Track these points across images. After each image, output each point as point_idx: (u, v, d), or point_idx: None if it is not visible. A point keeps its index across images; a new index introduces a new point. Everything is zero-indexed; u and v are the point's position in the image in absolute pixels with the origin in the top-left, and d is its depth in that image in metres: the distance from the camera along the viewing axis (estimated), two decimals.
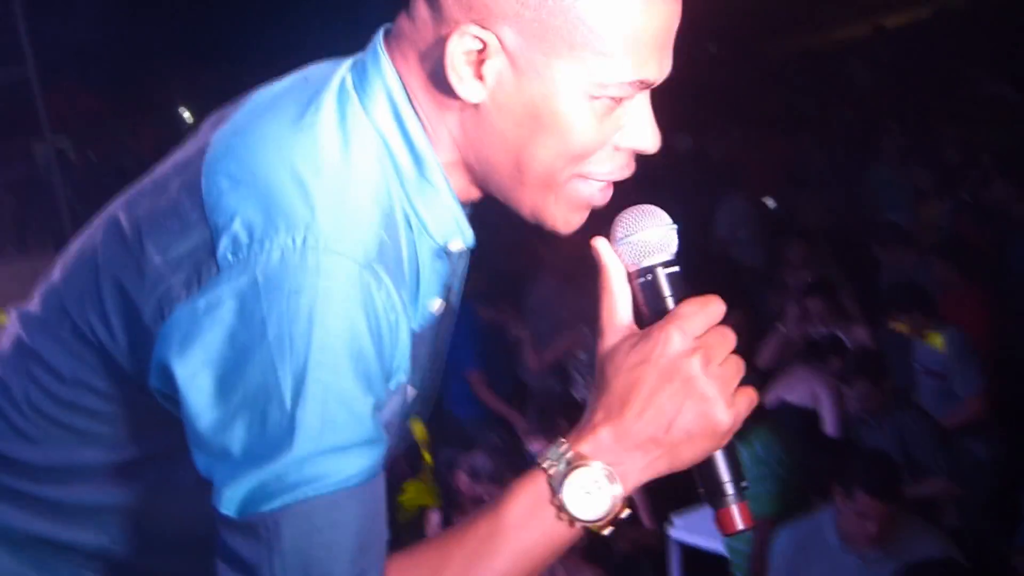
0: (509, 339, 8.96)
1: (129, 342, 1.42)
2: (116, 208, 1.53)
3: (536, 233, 1.66)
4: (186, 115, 30.88)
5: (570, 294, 8.23)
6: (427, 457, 3.66)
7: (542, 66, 1.38)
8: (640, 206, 1.45)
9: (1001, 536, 5.86)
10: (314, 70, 1.52)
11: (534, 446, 6.54)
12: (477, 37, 1.38)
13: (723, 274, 9.06)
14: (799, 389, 6.95)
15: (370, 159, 1.41)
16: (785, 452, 6.01)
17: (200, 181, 1.39)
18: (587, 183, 1.47)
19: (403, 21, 1.48)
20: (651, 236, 1.43)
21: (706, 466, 1.44)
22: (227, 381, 1.31)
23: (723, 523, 1.45)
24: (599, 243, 1.46)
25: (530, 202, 1.47)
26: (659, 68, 1.43)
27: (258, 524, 1.31)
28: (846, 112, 14.51)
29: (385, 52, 1.47)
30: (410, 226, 1.44)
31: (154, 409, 1.43)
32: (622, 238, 1.44)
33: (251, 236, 1.32)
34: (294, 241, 1.31)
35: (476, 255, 1.62)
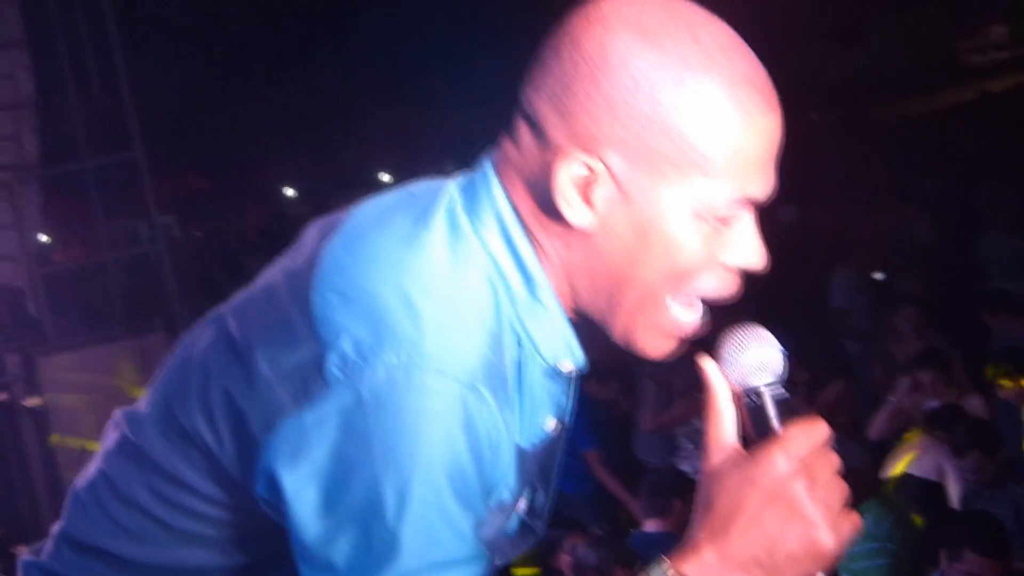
0: (620, 416, 8.96)
1: (236, 449, 1.45)
2: (225, 313, 1.56)
3: None
4: (289, 193, 31.39)
5: (684, 362, 8.17)
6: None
7: (649, 189, 1.40)
8: (748, 326, 1.45)
9: None
10: (421, 187, 1.55)
11: (649, 526, 6.49)
12: (584, 164, 1.40)
13: (835, 347, 9.00)
14: (923, 461, 6.88)
15: (479, 281, 1.43)
16: (897, 526, 5.94)
17: (310, 295, 1.42)
18: (685, 309, 1.48)
19: (507, 145, 1.50)
20: (758, 358, 1.43)
21: None
22: (333, 495, 1.34)
23: None
24: (706, 362, 1.46)
25: (624, 324, 1.48)
26: (763, 185, 1.44)
27: None
28: (952, 178, 14.37)
29: (496, 176, 1.48)
30: (520, 345, 1.45)
31: (258, 515, 1.46)
32: (729, 358, 1.44)
33: (358, 353, 1.35)
34: (399, 360, 1.34)
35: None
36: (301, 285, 1.45)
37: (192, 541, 1.55)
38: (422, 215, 1.47)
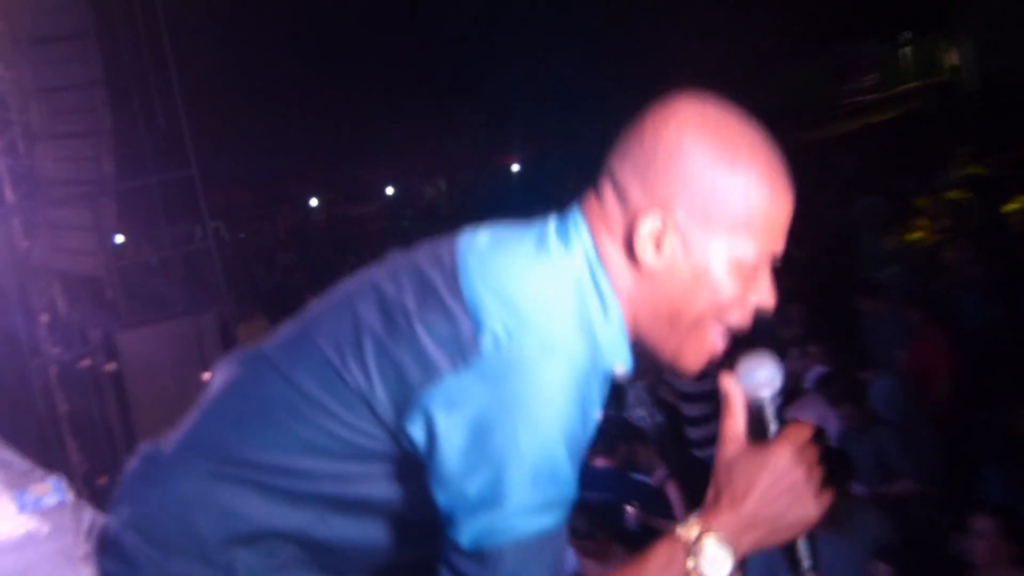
0: None
1: (388, 391, 1.47)
2: (377, 280, 1.58)
3: None
4: (313, 202, 31.30)
5: None
6: None
7: (704, 241, 1.50)
8: (758, 351, 1.57)
9: (954, 527, 5.86)
10: (522, 225, 1.60)
11: (597, 463, 6.50)
12: (659, 219, 1.50)
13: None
14: (810, 413, 6.98)
15: (577, 297, 1.50)
16: None
17: (462, 285, 1.47)
18: (719, 333, 1.56)
19: (592, 200, 1.57)
20: (763, 377, 1.55)
21: (792, 545, 1.57)
22: (478, 439, 1.38)
23: None
24: (725, 378, 1.56)
25: (674, 346, 1.56)
26: (782, 244, 1.56)
27: (486, 554, 1.40)
28: (836, 191, 14.50)
29: (584, 222, 1.56)
30: (597, 348, 1.51)
31: (393, 451, 1.50)
32: (742, 375, 1.55)
33: (508, 334, 1.40)
34: (538, 343, 1.40)
35: None
36: (451, 275, 1.49)
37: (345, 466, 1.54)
38: (540, 242, 1.52)
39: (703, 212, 1.48)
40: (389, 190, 29.86)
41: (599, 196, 1.56)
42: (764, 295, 1.55)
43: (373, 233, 25.08)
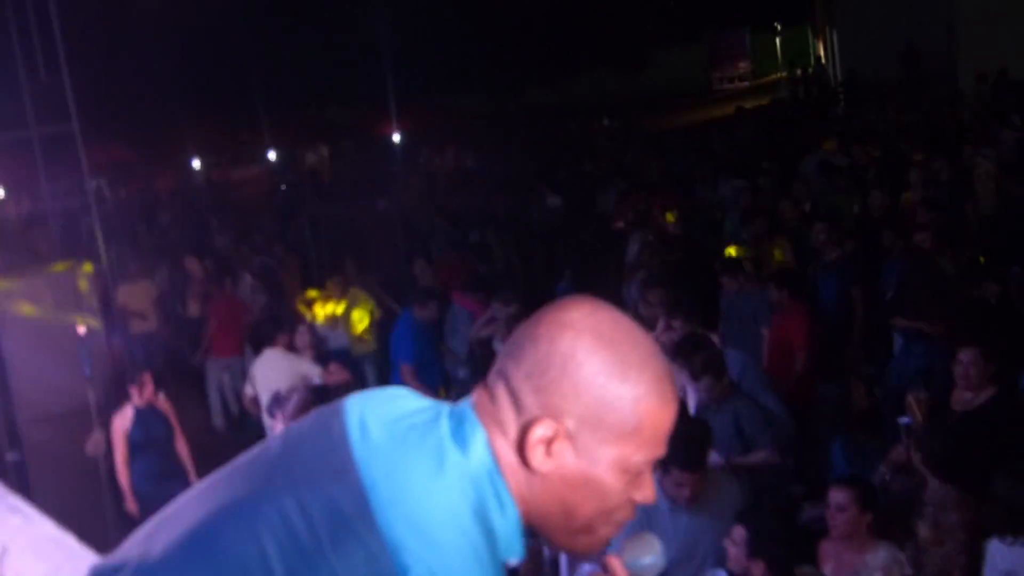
0: (439, 336, 9.12)
1: None
2: (276, 496, 1.52)
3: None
4: (195, 163, 30.69)
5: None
6: None
7: (593, 449, 1.51)
8: (642, 534, 1.64)
9: (806, 496, 6.06)
10: (416, 420, 1.58)
11: None
12: (550, 426, 1.51)
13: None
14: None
15: (477, 515, 1.50)
16: None
17: (377, 521, 1.45)
18: (608, 528, 1.59)
19: (484, 398, 1.58)
20: (649, 562, 1.62)
21: None
22: None
23: None
24: (613, 561, 1.61)
25: (567, 542, 1.60)
26: (665, 448, 1.58)
27: None
28: (706, 173, 14.76)
29: (480, 426, 1.55)
30: (495, 552, 1.52)
31: None
32: (629, 560, 1.61)
33: None
34: None
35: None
36: (362, 503, 1.47)
37: None
38: (438, 455, 1.52)
39: (594, 421, 1.51)
40: (271, 155, 29.39)
41: (492, 397, 1.57)
42: (647, 495, 1.58)
43: (252, 197, 24.72)
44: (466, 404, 1.59)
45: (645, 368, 1.53)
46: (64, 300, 8.06)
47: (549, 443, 1.51)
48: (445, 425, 1.56)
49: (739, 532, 4.52)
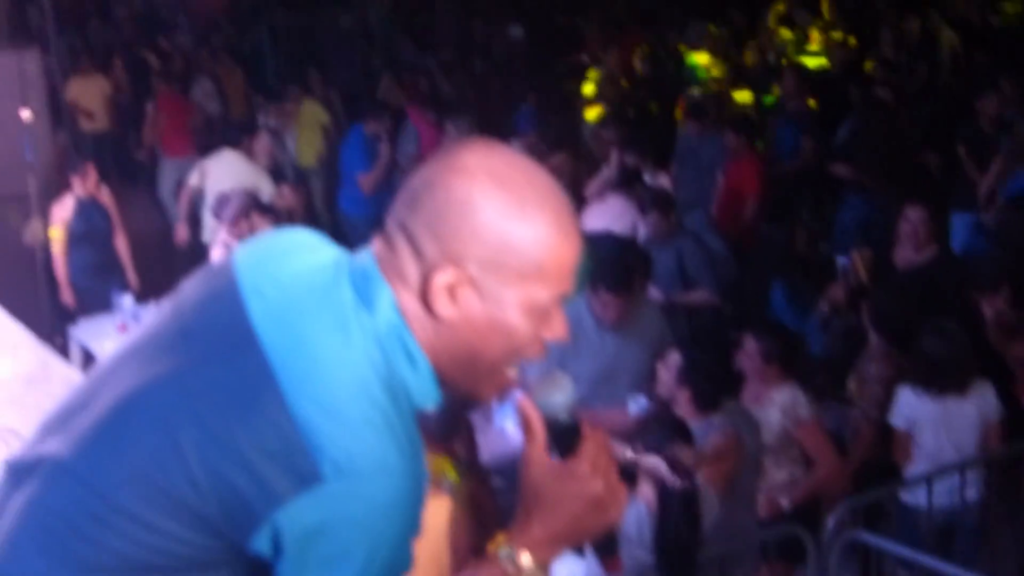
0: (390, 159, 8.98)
1: (223, 510, 1.45)
2: (181, 372, 1.51)
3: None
4: None
5: None
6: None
7: (498, 291, 1.50)
8: (551, 373, 1.62)
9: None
10: (317, 282, 1.55)
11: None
12: (453, 273, 1.49)
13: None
14: (623, 219, 6.99)
15: (391, 359, 1.51)
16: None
17: (286, 400, 1.44)
18: (511, 370, 1.60)
19: (384, 249, 1.55)
20: (560, 400, 1.60)
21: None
22: (327, 557, 1.44)
23: (611, 566, 1.76)
24: (525, 403, 1.60)
25: (472, 384, 1.60)
26: (573, 285, 1.56)
27: None
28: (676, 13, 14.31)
29: (384, 283, 1.53)
30: (409, 404, 1.54)
31: (223, 550, 1.48)
32: (541, 400, 1.60)
33: (348, 457, 1.42)
34: (378, 466, 1.43)
35: None
36: (267, 377, 1.45)
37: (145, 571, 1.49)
38: (341, 324, 1.50)
39: (496, 264, 1.50)
40: None
41: (391, 247, 1.55)
42: (557, 330, 1.58)
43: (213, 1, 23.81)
44: (367, 257, 1.56)
45: (544, 206, 1.52)
46: (8, 86, 7.69)
47: (453, 290, 1.50)
48: (347, 285, 1.54)
49: (674, 357, 4.48)
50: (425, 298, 1.52)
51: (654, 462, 3.78)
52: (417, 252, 1.52)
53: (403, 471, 1.47)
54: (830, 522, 4.27)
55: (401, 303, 1.53)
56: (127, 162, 12.17)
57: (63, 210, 7.46)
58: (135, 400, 1.51)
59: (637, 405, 4.84)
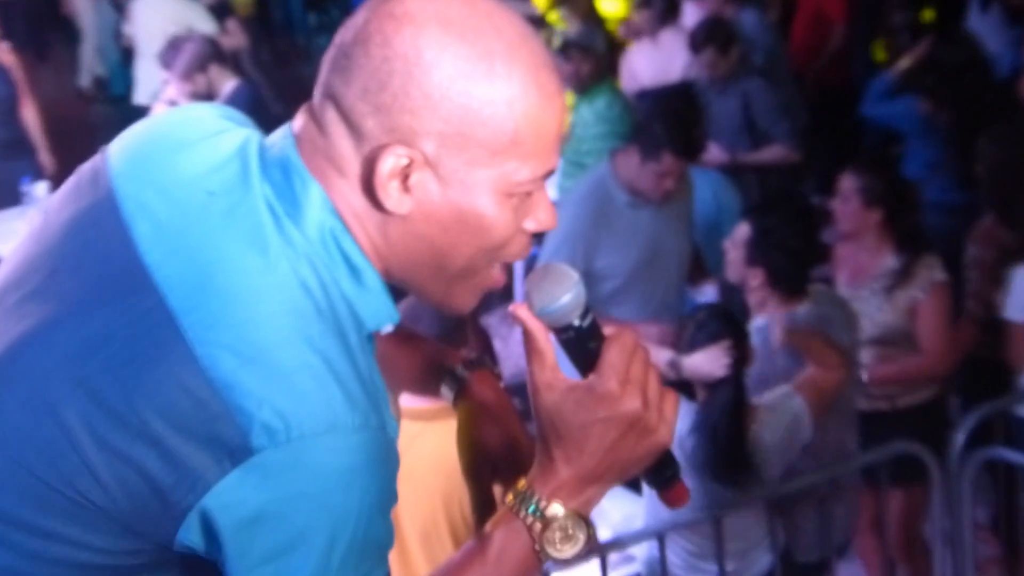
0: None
1: (136, 504, 1.35)
2: (40, 351, 1.41)
3: None
4: None
5: None
6: None
7: (464, 173, 1.42)
8: (545, 268, 1.51)
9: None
10: (218, 186, 1.45)
11: None
12: (403, 155, 1.40)
13: None
14: (658, 60, 6.81)
15: (327, 300, 1.42)
16: (627, 110, 5.85)
17: (195, 350, 1.34)
18: (493, 268, 1.53)
19: (310, 132, 1.46)
20: (567, 301, 1.48)
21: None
22: (275, 540, 1.34)
23: (674, 500, 1.61)
24: (520, 312, 1.50)
25: (442, 292, 1.53)
26: (557, 158, 1.49)
27: None
28: None
29: (308, 172, 1.45)
30: (359, 333, 1.44)
31: (159, 556, 1.41)
32: (541, 309, 1.49)
33: (283, 420, 1.32)
34: (320, 424, 1.33)
35: None
36: (169, 326, 1.36)
37: None
38: (254, 235, 1.41)
39: (458, 138, 1.40)
40: None
41: (321, 128, 1.45)
42: (543, 218, 1.51)
43: None
44: (286, 142, 1.48)
45: (515, 58, 1.42)
46: None
47: (405, 176, 1.41)
48: (261, 186, 1.45)
49: (742, 231, 4.25)
50: (368, 190, 1.43)
51: (697, 360, 3.69)
52: (354, 130, 1.43)
53: (357, 424, 1.36)
54: (959, 437, 4.13)
55: (336, 200, 1.45)
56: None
57: None
58: (11, 374, 1.43)
59: (704, 297, 4.68)
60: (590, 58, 5.97)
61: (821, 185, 5.70)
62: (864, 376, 4.43)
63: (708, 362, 3.68)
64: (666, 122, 4.62)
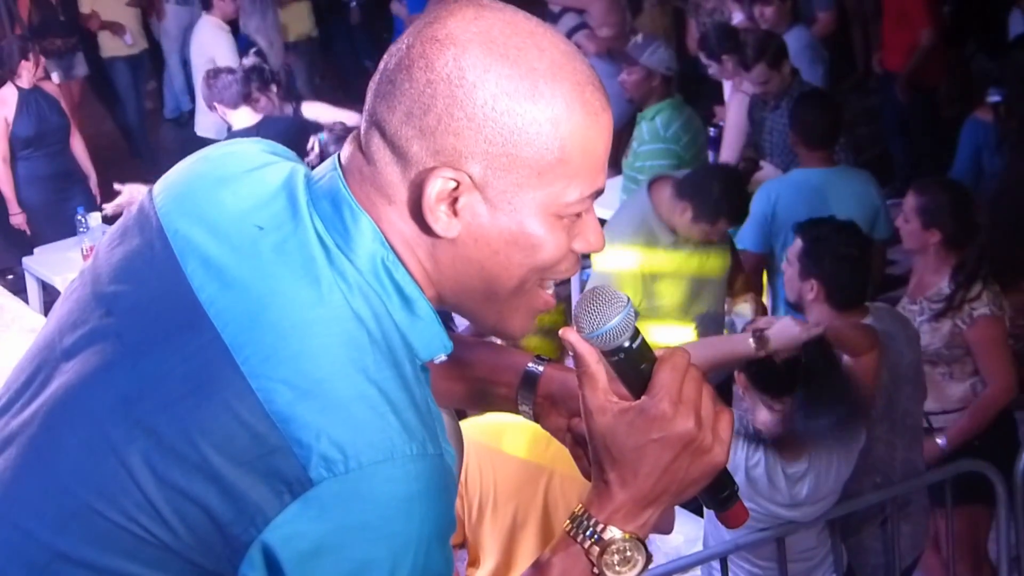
0: None
1: (198, 538, 1.36)
2: (115, 378, 1.43)
3: None
4: None
5: None
6: None
7: (512, 195, 1.42)
8: (593, 291, 1.50)
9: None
10: (269, 222, 1.46)
11: None
12: (450, 178, 1.40)
13: None
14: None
15: (380, 324, 1.43)
16: (684, 129, 5.85)
17: (251, 383, 1.36)
18: (544, 291, 1.53)
19: (358, 162, 1.47)
20: (616, 323, 1.48)
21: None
22: (337, 570, 1.35)
23: (733, 520, 1.62)
24: (570, 336, 1.51)
25: (495, 316, 1.53)
26: (605, 177, 1.49)
27: None
28: None
29: (357, 202, 1.45)
30: (413, 363, 1.46)
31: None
32: (591, 332, 1.49)
33: (341, 452, 1.33)
34: (379, 454, 1.34)
35: None
36: (227, 364, 1.37)
37: None
38: (306, 268, 1.42)
39: (504, 160, 1.40)
40: None
41: (367, 156, 1.46)
42: (592, 240, 1.51)
43: None
44: (334, 173, 1.48)
45: (559, 76, 1.41)
46: None
47: (453, 199, 1.42)
48: (311, 219, 1.46)
49: (795, 247, 4.22)
50: (417, 215, 1.43)
51: (780, 326, 3.65)
52: (400, 155, 1.43)
53: (415, 452, 1.37)
54: None
55: (385, 229, 1.45)
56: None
57: (3, 107, 7.24)
58: (57, 413, 1.46)
59: (740, 319, 4.69)
60: (655, 77, 5.92)
61: (901, 190, 5.63)
62: (942, 443, 4.42)
63: (787, 328, 3.63)
64: (730, 198, 4.74)
